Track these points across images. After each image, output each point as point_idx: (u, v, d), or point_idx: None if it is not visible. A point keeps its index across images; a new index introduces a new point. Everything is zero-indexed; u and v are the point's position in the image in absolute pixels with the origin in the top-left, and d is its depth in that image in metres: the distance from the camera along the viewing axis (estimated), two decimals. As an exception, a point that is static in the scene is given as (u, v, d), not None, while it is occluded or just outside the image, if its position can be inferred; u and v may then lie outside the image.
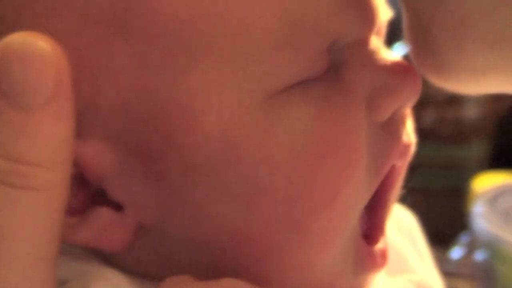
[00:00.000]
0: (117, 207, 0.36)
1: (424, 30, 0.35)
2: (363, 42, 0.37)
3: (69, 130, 0.33)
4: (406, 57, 0.39)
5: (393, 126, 0.38)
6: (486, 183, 0.95)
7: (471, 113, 1.04)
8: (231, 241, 0.35)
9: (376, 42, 0.38)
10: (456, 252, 0.89)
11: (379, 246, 0.39)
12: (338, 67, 0.36)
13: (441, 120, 1.01)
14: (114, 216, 0.35)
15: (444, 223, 1.00)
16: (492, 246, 0.82)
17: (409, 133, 0.39)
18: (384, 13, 0.38)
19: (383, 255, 0.39)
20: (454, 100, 1.01)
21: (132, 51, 0.34)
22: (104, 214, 0.35)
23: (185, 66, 0.34)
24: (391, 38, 0.40)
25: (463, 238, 0.90)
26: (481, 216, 0.84)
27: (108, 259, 0.37)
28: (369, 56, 0.37)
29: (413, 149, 0.39)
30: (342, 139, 0.36)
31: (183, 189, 0.35)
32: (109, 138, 0.35)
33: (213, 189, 0.35)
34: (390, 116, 0.38)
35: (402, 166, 0.39)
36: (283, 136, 0.35)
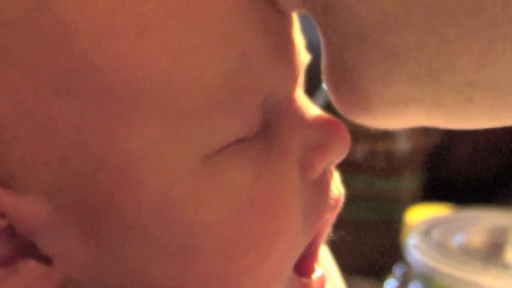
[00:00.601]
0: (46, 259, 0.35)
1: (347, 67, 0.35)
2: (292, 96, 0.38)
3: None
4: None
5: (324, 182, 0.39)
6: (418, 215, 0.96)
7: (402, 146, 1.05)
8: None
9: (302, 95, 0.39)
10: (390, 284, 0.89)
11: (316, 275, 0.39)
12: (270, 124, 0.37)
13: (373, 153, 1.02)
14: (42, 269, 0.35)
15: (377, 255, 1.00)
16: (427, 278, 0.82)
17: (337, 186, 0.40)
18: (304, 57, 0.39)
19: (321, 284, 0.39)
20: (386, 133, 1.03)
21: (74, 109, 0.34)
22: (32, 267, 0.35)
23: (126, 125, 0.34)
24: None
25: (397, 270, 0.90)
26: (415, 248, 0.84)
27: None
28: (299, 113, 0.38)
29: (342, 200, 0.40)
30: (276, 200, 0.36)
31: (117, 247, 0.35)
32: (45, 193, 0.34)
33: (148, 248, 0.35)
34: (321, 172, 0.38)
35: (332, 217, 0.40)
36: (219, 197, 0.35)
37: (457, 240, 0.86)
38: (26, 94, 0.34)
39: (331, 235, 0.41)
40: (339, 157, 0.38)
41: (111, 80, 0.33)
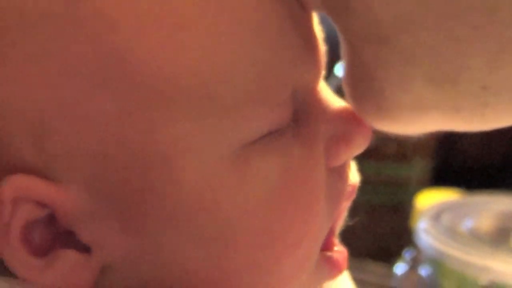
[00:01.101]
0: (84, 247, 0.36)
1: (366, 70, 0.36)
2: (316, 87, 0.39)
3: None
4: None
5: (343, 170, 0.40)
6: (428, 200, 0.96)
7: (413, 132, 1.04)
8: (200, 285, 0.36)
9: (325, 86, 0.39)
10: (400, 268, 0.90)
11: (337, 248, 0.41)
12: (298, 115, 0.38)
13: (384, 138, 1.02)
14: (80, 258, 0.36)
15: (388, 239, 1.00)
16: (436, 261, 0.83)
17: (354, 173, 0.41)
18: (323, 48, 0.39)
19: (344, 259, 0.41)
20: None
21: (113, 102, 0.34)
22: (70, 256, 0.35)
23: (165, 117, 0.34)
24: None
25: (407, 254, 0.90)
26: (425, 232, 0.85)
27: None
28: (324, 104, 0.39)
29: (357, 188, 0.41)
30: (306, 188, 0.37)
31: (155, 235, 0.36)
32: (86, 183, 0.35)
33: (187, 235, 0.36)
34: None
35: (349, 202, 0.41)
36: (254, 185, 0.36)
37: (466, 224, 0.86)
38: (66, 87, 0.34)
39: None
40: (361, 149, 0.40)
41: (148, 74, 0.34)
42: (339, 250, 0.41)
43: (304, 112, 0.38)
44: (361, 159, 0.42)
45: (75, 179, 0.35)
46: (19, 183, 0.34)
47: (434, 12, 0.33)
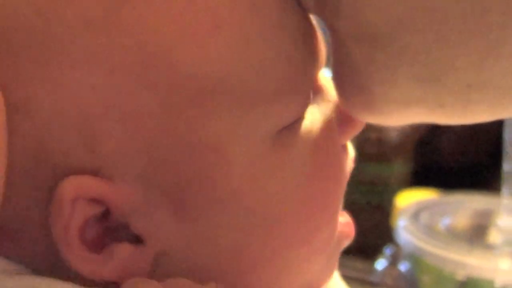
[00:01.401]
0: (136, 239, 0.37)
1: (355, 68, 0.37)
2: (319, 76, 0.41)
3: None
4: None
5: (346, 146, 0.43)
6: (407, 199, 0.98)
7: (393, 133, 1.06)
8: (248, 265, 0.39)
9: (323, 74, 0.42)
10: (381, 264, 0.91)
11: (343, 216, 0.44)
12: (315, 101, 0.40)
13: (365, 140, 1.03)
14: (135, 250, 0.37)
15: (369, 236, 1.01)
16: (415, 258, 0.84)
17: (351, 149, 0.44)
18: None
19: (350, 224, 0.44)
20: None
21: (158, 100, 0.35)
22: (126, 249, 0.36)
23: (210, 110, 0.36)
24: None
25: (388, 250, 0.91)
26: (405, 230, 0.86)
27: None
28: (328, 91, 0.41)
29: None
30: (335, 163, 0.40)
31: (208, 219, 0.37)
32: (138, 178, 0.36)
33: (235, 219, 0.37)
34: None
35: None
36: (293, 166, 0.38)
37: (444, 222, 0.88)
38: (110, 89, 0.35)
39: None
40: (360, 129, 0.42)
41: (189, 72, 0.35)
42: (343, 215, 0.43)
43: (317, 98, 0.40)
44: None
45: (128, 175, 0.36)
46: (75, 183, 0.35)
47: (423, 17, 0.34)
